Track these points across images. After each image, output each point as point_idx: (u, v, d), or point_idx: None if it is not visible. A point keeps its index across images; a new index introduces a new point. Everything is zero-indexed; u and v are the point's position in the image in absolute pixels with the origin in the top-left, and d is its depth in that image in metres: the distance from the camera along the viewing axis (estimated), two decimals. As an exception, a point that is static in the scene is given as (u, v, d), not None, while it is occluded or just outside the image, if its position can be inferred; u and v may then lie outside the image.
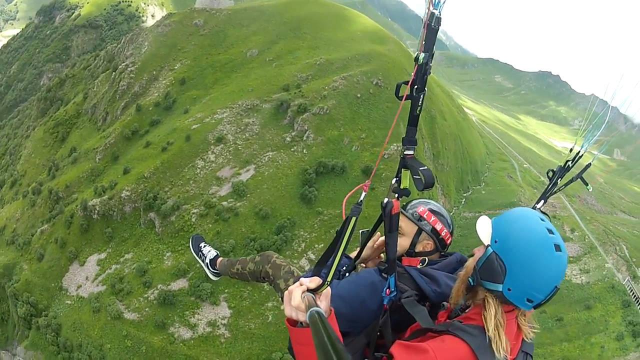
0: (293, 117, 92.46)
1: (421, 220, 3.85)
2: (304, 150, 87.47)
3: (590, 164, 5.51)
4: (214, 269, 6.52)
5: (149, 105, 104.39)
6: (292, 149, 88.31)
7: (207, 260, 6.59)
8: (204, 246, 6.86)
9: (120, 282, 72.35)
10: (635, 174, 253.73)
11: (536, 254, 2.70)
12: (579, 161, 5.06)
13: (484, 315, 2.86)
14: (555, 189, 4.95)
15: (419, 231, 3.86)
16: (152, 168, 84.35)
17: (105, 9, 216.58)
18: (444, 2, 2.34)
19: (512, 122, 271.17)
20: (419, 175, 2.70)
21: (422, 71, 2.53)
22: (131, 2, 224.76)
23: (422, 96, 2.61)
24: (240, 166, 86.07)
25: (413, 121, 2.72)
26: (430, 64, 2.53)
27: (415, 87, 2.60)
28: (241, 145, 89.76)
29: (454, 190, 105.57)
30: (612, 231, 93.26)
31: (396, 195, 2.89)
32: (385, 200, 2.88)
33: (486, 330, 2.81)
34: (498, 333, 2.80)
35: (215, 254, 6.70)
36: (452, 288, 3.24)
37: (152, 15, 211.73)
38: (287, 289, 2.98)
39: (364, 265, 4.17)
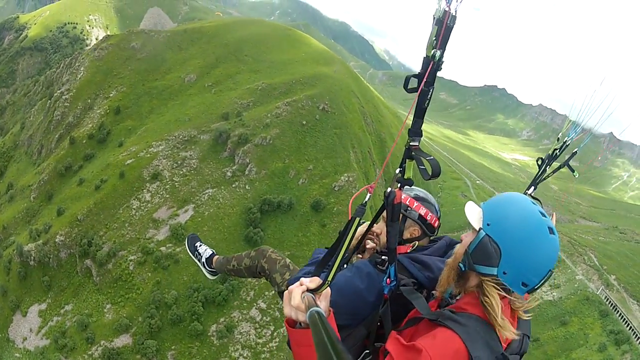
0: (233, 149, 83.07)
1: (405, 208, 3.75)
2: (247, 186, 78.73)
3: (576, 151, 5.37)
4: (211, 268, 6.27)
5: (82, 138, 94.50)
6: (234, 185, 79.45)
7: (203, 259, 6.33)
8: (200, 245, 6.55)
9: (63, 337, 66.28)
10: (589, 178, 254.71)
11: (532, 237, 2.62)
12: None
13: (485, 302, 2.70)
14: (545, 176, 4.95)
15: (404, 218, 3.76)
16: (86, 209, 76.42)
17: (51, 31, 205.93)
18: (460, 1, 2.29)
19: (460, 138, 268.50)
20: (425, 166, 2.64)
21: (435, 67, 2.46)
22: (76, 24, 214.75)
23: (431, 90, 2.53)
24: (178, 206, 77.77)
25: (420, 113, 2.62)
26: (443, 61, 2.45)
27: (425, 80, 2.50)
28: (178, 182, 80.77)
29: None
30: (577, 240, 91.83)
31: (399, 185, 2.75)
32: (389, 189, 2.74)
33: (494, 317, 2.66)
34: (504, 318, 2.68)
35: (211, 252, 6.41)
36: None
37: (97, 38, 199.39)
38: (283, 283, 3.88)
39: (360, 256, 4.01)
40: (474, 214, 2.86)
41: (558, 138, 5.05)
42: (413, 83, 2.52)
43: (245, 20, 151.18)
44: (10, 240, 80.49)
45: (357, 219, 2.59)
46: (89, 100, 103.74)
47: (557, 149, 5.00)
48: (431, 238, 3.86)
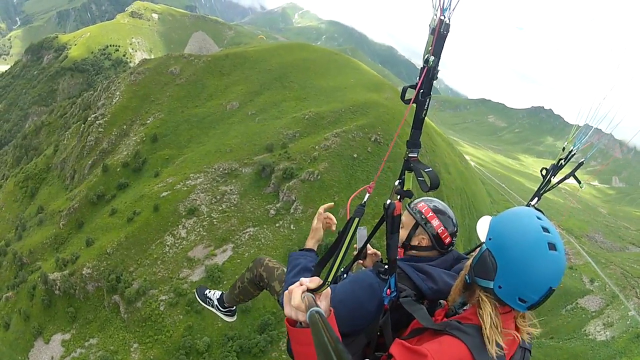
0: (278, 184, 75.65)
1: (422, 217, 3.73)
2: (292, 226, 71.32)
3: (582, 162, 5.38)
4: (224, 308, 6.03)
5: (116, 166, 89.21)
6: (277, 224, 72.00)
7: (216, 303, 6.08)
8: (209, 292, 6.25)
9: (86, 370, 61.95)
10: (636, 198, 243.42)
11: (527, 252, 2.58)
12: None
13: (479, 314, 2.74)
14: (549, 187, 4.97)
15: (416, 225, 3.75)
16: (116, 242, 71.22)
17: (92, 52, 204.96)
18: (453, 9, 2.34)
19: (510, 163, 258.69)
20: (424, 177, 2.70)
21: (430, 75, 2.53)
22: (119, 46, 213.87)
23: (427, 100, 2.62)
24: (215, 245, 71.17)
25: (418, 124, 2.74)
26: (438, 69, 2.52)
27: (421, 91, 2.61)
28: (217, 219, 74.09)
29: (462, 250, 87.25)
30: (630, 272, 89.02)
31: (398, 196, 2.84)
32: (388, 201, 2.81)
33: (483, 329, 2.68)
34: (493, 332, 2.67)
35: (220, 293, 6.15)
36: (449, 285, 3.19)
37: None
38: (282, 291, 3.77)
39: (361, 262, 4.12)
40: (482, 228, 2.92)
41: (563, 148, 4.99)
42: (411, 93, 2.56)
43: (291, 44, 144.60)
44: (37, 265, 77.11)
45: (357, 219, 2.69)
46: (125, 127, 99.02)
47: (562, 159, 4.97)
48: (441, 252, 3.69)
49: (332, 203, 3.34)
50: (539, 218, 2.68)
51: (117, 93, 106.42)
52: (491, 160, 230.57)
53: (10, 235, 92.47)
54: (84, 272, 69.10)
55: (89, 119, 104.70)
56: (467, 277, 2.85)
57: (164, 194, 77.50)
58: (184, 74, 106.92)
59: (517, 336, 2.83)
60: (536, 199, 4.92)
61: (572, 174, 5.23)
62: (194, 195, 76.96)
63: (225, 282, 64.18)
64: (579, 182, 5.42)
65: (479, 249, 2.83)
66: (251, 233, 71.86)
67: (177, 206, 75.36)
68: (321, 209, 4.29)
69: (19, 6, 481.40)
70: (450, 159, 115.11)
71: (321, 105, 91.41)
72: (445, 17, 2.33)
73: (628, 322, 73.99)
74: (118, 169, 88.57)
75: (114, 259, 69.56)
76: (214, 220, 74.07)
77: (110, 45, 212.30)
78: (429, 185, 2.62)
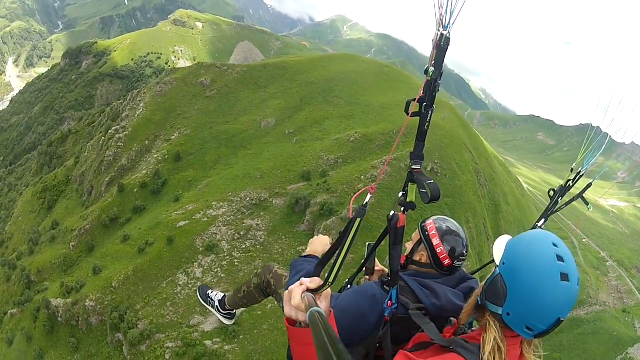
0: (313, 221, 62.36)
1: (424, 232, 3.77)
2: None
3: (591, 183, 5.26)
4: (225, 310, 5.97)
5: (134, 186, 78.41)
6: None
7: (217, 304, 6.00)
8: (211, 292, 6.24)
9: (87, 410, 55.54)
10: None
11: (538, 281, 2.53)
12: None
13: (482, 338, 2.74)
14: (557, 208, 4.88)
15: (420, 241, 3.79)
16: (123, 275, 61.60)
17: (133, 59, 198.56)
18: (453, 23, 2.36)
19: (560, 183, 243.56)
20: (426, 189, 2.71)
21: (432, 88, 2.59)
22: (161, 54, 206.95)
23: (430, 112, 2.67)
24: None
25: (421, 137, 2.78)
26: (440, 82, 2.57)
27: (424, 104, 2.66)
28: (238, 260, 61.90)
29: None
30: None
31: (402, 208, 2.86)
32: (392, 213, 2.84)
33: (481, 354, 2.67)
34: (496, 357, 2.65)
35: (223, 294, 6.13)
36: (453, 303, 3.29)
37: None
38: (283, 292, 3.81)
39: (368, 278, 4.14)
40: (498, 250, 2.82)
41: (572, 169, 5.00)
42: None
43: (336, 55, 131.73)
44: (44, 286, 71.20)
45: (358, 219, 2.63)
46: (147, 142, 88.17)
47: (569, 180, 4.93)
48: (442, 272, 3.64)
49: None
50: (555, 245, 2.61)
51: (142, 105, 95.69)
52: (542, 181, 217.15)
53: (23, 248, 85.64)
54: (87, 304, 60.41)
55: (110, 131, 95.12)
56: (479, 298, 2.81)
57: (181, 223, 66.42)
58: (216, 85, 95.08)
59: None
60: (543, 220, 4.67)
61: (580, 196, 5.03)
62: (214, 228, 65.38)
63: (241, 337, 54.38)
64: (587, 204, 5.24)
65: (492, 272, 2.77)
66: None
67: (194, 240, 64.19)
68: None
69: (60, 10, 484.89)
70: (509, 186, 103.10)
71: (369, 126, 78.06)
72: (446, 32, 2.33)
73: None
74: (135, 190, 78.16)
75: (119, 293, 60.36)
76: (235, 260, 62.15)
77: (152, 53, 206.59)
78: (429, 197, 2.61)
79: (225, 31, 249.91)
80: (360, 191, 3.20)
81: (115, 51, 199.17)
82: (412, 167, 2.77)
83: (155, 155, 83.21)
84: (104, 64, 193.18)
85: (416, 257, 3.75)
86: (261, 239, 63.30)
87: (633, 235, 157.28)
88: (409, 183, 2.78)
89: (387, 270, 4.01)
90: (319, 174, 68.65)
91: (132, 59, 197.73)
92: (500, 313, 2.63)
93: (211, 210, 67.49)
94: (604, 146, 4.97)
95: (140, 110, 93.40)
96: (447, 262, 3.60)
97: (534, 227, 4.45)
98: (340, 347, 1.67)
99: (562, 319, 2.54)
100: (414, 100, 2.62)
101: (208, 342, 54.59)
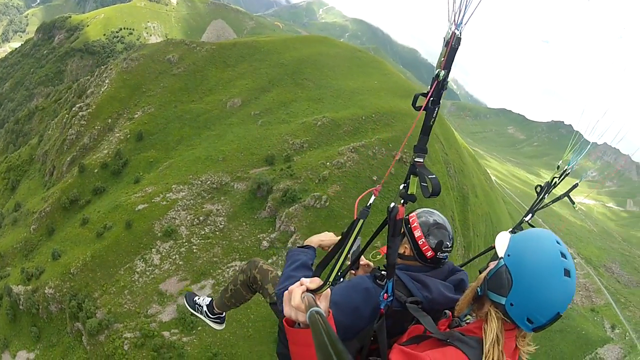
0: (275, 208, 59.23)
1: (406, 224, 3.69)
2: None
3: (577, 184, 5.62)
4: (214, 314, 5.79)
5: (94, 166, 74.72)
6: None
7: (205, 309, 5.82)
8: (198, 298, 6.01)
9: (49, 400, 53.85)
10: None
11: (544, 274, 2.59)
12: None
13: (484, 328, 2.74)
14: (543, 204, 5.10)
15: (403, 233, 3.67)
16: (81, 261, 58.53)
17: (105, 35, 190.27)
18: (465, 23, 2.37)
19: (529, 179, 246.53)
20: (427, 183, 2.69)
21: (440, 87, 2.57)
22: (133, 30, 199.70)
23: (437, 108, 2.64)
24: (192, 279, 56.60)
25: (426, 131, 2.75)
26: (448, 80, 2.56)
27: (432, 99, 2.63)
28: (197, 246, 59.06)
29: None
30: None
31: (402, 200, 2.83)
32: (392, 204, 2.80)
33: (483, 344, 2.68)
34: (494, 349, 2.67)
35: (210, 299, 5.92)
36: (444, 295, 3.31)
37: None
38: (279, 288, 3.66)
39: (354, 273, 4.08)
40: (501, 243, 2.85)
41: (558, 166, 5.16)
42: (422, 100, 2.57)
43: (309, 37, 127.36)
44: (6, 272, 68.41)
45: (361, 220, 2.64)
46: (110, 120, 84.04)
47: (555, 177, 5.10)
48: (426, 265, 3.61)
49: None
50: (558, 242, 2.68)
51: (107, 81, 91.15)
52: (510, 175, 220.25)
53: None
54: (46, 292, 57.96)
55: (74, 109, 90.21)
56: (479, 289, 2.81)
57: (140, 206, 63.35)
58: (183, 62, 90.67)
59: (517, 352, 2.79)
60: (530, 215, 4.90)
61: (566, 195, 5.17)
62: (173, 212, 62.31)
63: (199, 329, 51.79)
64: (573, 203, 5.39)
65: (494, 264, 2.79)
66: (236, 268, 56.54)
67: (152, 224, 61.12)
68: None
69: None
70: (477, 178, 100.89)
71: (338, 110, 74.55)
72: (458, 32, 2.33)
73: None
74: (96, 170, 74.53)
75: (78, 280, 57.44)
76: (194, 247, 59.26)
77: (125, 28, 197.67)
78: (430, 191, 2.58)
79: (200, 8, 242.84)
80: (364, 192, 3.20)
81: (88, 26, 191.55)
82: (415, 160, 2.70)
83: (118, 135, 79.62)
84: (76, 39, 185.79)
85: (400, 250, 3.62)
86: (221, 224, 60.18)
87: (601, 233, 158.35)
88: (411, 175, 2.70)
89: (371, 264, 3.99)
90: (283, 158, 65.40)
91: (104, 34, 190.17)
92: (504, 303, 2.62)
93: (171, 194, 64.41)
94: (589, 147, 5.00)
95: (105, 87, 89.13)
96: (429, 254, 3.54)
97: (521, 222, 4.80)
98: (340, 347, 1.66)
99: (560, 314, 2.57)
100: (422, 94, 2.57)
101: (166, 333, 52.17)
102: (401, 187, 2.80)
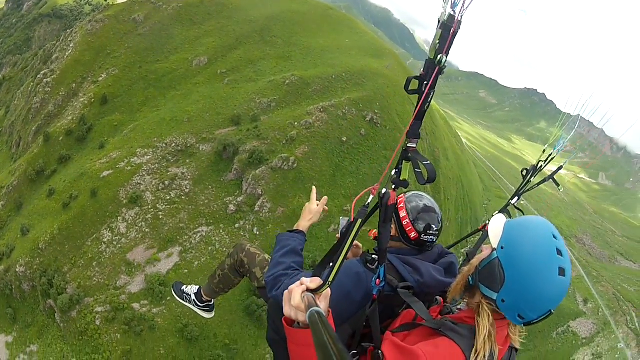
0: (242, 170, 56.88)
1: (394, 205, 3.23)
2: (255, 230, 54.33)
3: (562, 166, 5.57)
4: (203, 302, 5.66)
5: (59, 134, 71.54)
6: (237, 226, 54.35)
7: (193, 297, 5.68)
8: (186, 287, 5.88)
9: (28, 379, 52.57)
10: (621, 199, 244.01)
11: (538, 273, 2.47)
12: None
13: (477, 321, 2.64)
14: (529, 187, 4.97)
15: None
16: (49, 235, 56.28)
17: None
18: (467, 7, 2.17)
19: (499, 143, 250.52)
20: (421, 169, 2.60)
21: (439, 72, 2.42)
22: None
23: (432, 93, 2.49)
24: (159, 247, 54.65)
25: (420, 115, 2.56)
26: (446, 65, 2.40)
27: (425, 82, 2.46)
28: (163, 212, 56.96)
29: (453, 249, 72.17)
30: (621, 293, 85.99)
31: (393, 186, 2.72)
32: (384, 190, 2.71)
33: (476, 339, 2.58)
34: (486, 343, 2.57)
35: (198, 287, 5.79)
36: (435, 279, 3.24)
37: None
38: (263, 278, 3.83)
39: None
40: (495, 231, 2.70)
41: (544, 150, 5.01)
42: (414, 84, 2.50)
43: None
44: None
45: (360, 220, 2.50)
46: (74, 85, 79.85)
47: (541, 161, 4.95)
48: (412, 247, 3.54)
49: (325, 197, 3.14)
50: (555, 237, 2.55)
51: (72, 45, 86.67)
52: (481, 138, 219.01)
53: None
54: (17, 270, 55.92)
55: (39, 76, 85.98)
56: (470, 278, 2.71)
57: (105, 173, 60.73)
58: (149, 22, 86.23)
59: (508, 340, 2.72)
60: (516, 198, 4.83)
61: (551, 177, 5.08)
62: (138, 177, 60.03)
63: (168, 299, 50.00)
64: (558, 185, 5.36)
65: (488, 252, 2.65)
66: (203, 234, 55.12)
67: (117, 191, 58.89)
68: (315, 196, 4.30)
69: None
70: (449, 141, 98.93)
71: (307, 69, 71.57)
72: (457, 14, 2.14)
73: (617, 356, 70.22)
74: (61, 138, 71.45)
75: (46, 255, 55.32)
76: (160, 213, 57.09)
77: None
78: (425, 178, 2.47)
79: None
80: (363, 191, 2.89)
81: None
82: (408, 145, 2.58)
83: (82, 99, 76.11)
84: (44, 4, 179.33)
85: None
86: (186, 189, 57.79)
87: (573, 204, 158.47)
88: (403, 161, 2.60)
89: (360, 245, 3.90)
90: (249, 118, 62.63)
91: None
92: (495, 299, 2.55)
93: (135, 158, 61.95)
94: (573, 131, 5.05)
95: (70, 51, 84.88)
96: (413, 234, 3.46)
97: (507, 205, 4.56)
98: (340, 346, 1.64)
99: (552, 311, 2.52)
100: (415, 77, 2.45)
101: (136, 305, 50.44)
102: (393, 173, 2.65)
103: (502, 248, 2.56)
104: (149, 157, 61.13)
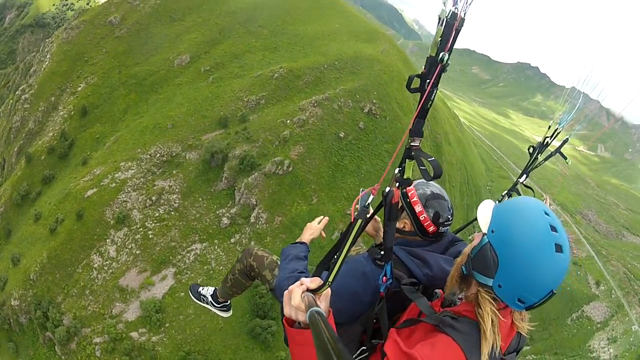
0: (233, 178, 50.63)
1: (405, 198, 3.42)
2: (253, 243, 47.16)
3: (567, 139, 4.92)
4: (219, 303, 5.61)
5: (41, 153, 66.07)
6: (232, 240, 48.79)
7: (210, 299, 5.64)
8: (202, 288, 5.78)
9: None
10: (622, 170, 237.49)
11: (533, 253, 2.32)
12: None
13: (479, 314, 2.51)
14: (537, 164, 4.73)
15: (401, 208, 3.42)
16: (39, 264, 51.34)
17: (54, 4, 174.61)
18: (470, 3, 2.09)
19: (497, 119, 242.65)
20: (425, 166, 2.47)
21: (442, 70, 2.30)
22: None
23: (435, 90, 2.35)
24: (152, 269, 49.50)
25: (422, 114, 2.41)
26: (449, 63, 2.26)
27: (427, 80, 2.33)
28: (153, 231, 51.32)
29: (461, 234, 67.44)
30: (632, 272, 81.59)
31: (397, 184, 2.56)
32: (388, 189, 2.56)
33: (483, 330, 2.46)
34: (491, 335, 2.47)
35: (214, 288, 5.71)
36: (445, 271, 2.99)
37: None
38: (274, 279, 3.79)
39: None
40: (484, 215, 2.58)
41: (549, 126, 4.76)
42: (416, 82, 2.34)
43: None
44: None
45: (360, 220, 2.42)
46: (53, 99, 73.37)
47: (547, 137, 4.68)
48: (428, 239, 3.37)
49: (326, 218, 3.01)
50: (546, 214, 2.39)
51: (48, 56, 79.89)
52: (477, 115, 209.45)
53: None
54: (13, 303, 51.57)
55: (17, 92, 79.96)
56: (464, 267, 2.57)
57: (90, 192, 54.92)
58: (126, 22, 78.96)
59: (514, 328, 2.62)
60: (524, 176, 4.56)
61: (558, 151, 4.81)
62: (123, 194, 54.00)
63: (167, 325, 46.36)
64: (565, 158, 5.01)
65: (479, 238, 2.51)
66: (197, 252, 49.68)
67: (103, 212, 53.04)
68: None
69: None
70: (449, 124, 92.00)
71: (296, 59, 64.54)
72: (458, 10, 2.05)
73: (631, 339, 66.31)
74: (43, 157, 65.92)
75: (39, 286, 50.69)
76: (149, 232, 51.49)
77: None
78: (431, 175, 2.31)
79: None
80: (363, 192, 2.98)
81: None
82: (411, 143, 2.42)
83: (62, 113, 70.15)
84: (26, 15, 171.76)
85: (399, 225, 3.37)
86: (175, 203, 51.84)
87: (575, 178, 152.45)
88: (406, 159, 2.43)
89: (378, 218, 3.49)
90: (237, 119, 56.05)
91: (54, 4, 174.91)
92: (491, 285, 2.40)
93: (119, 173, 55.94)
94: (579, 104, 4.70)
95: (47, 63, 78.08)
96: (431, 229, 3.29)
97: (516, 184, 4.50)
98: (340, 346, 1.63)
99: (554, 292, 2.36)
100: (417, 75, 2.25)
101: (134, 334, 46.40)
102: (396, 171, 2.48)
103: (492, 232, 2.40)
104: (133, 170, 54.92)
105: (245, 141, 52.47)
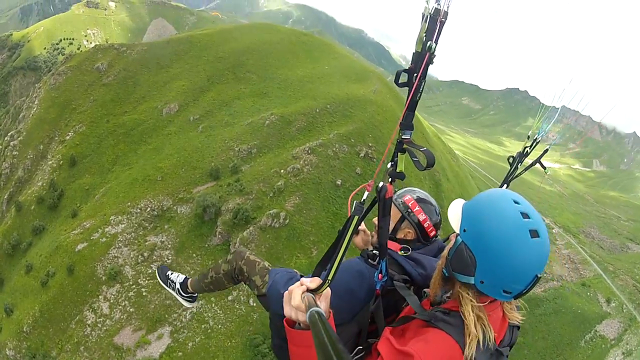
0: (227, 233, 48.47)
1: (407, 210, 3.52)
2: (251, 301, 45.96)
3: (547, 149, 5.22)
4: (187, 293, 5.26)
5: (30, 203, 63.47)
6: (230, 298, 46.54)
7: (178, 286, 5.29)
8: (172, 273, 5.46)
9: None
10: (618, 182, 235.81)
11: (508, 243, 2.30)
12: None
13: (461, 311, 2.49)
14: (517, 173, 4.78)
15: (402, 218, 3.54)
16: (32, 317, 49.19)
17: (45, 48, 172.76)
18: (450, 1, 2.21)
19: (490, 147, 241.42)
20: (418, 157, 2.60)
21: (429, 60, 2.37)
22: (72, 39, 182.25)
23: (423, 83, 2.43)
24: (147, 327, 46.48)
25: (412, 106, 2.52)
26: (435, 54, 2.35)
27: (415, 74, 2.42)
28: (146, 289, 48.62)
29: None
30: None
31: (390, 179, 2.67)
32: (381, 184, 2.65)
33: (466, 327, 2.44)
34: (477, 329, 2.44)
35: (185, 277, 5.40)
36: None
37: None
38: (264, 286, 3.77)
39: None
40: (454, 216, 2.57)
41: (528, 136, 4.92)
42: (404, 77, 2.43)
43: (248, 25, 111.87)
44: None
45: (356, 217, 2.43)
46: (41, 147, 71.18)
47: (527, 147, 4.83)
48: (424, 243, 3.49)
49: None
50: (516, 202, 2.38)
51: (36, 102, 78.02)
52: (470, 146, 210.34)
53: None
54: (8, 353, 49.05)
55: (6, 138, 77.85)
56: (444, 270, 2.56)
57: (80, 246, 52.33)
58: (113, 69, 77.38)
59: (505, 319, 2.64)
60: (505, 185, 4.57)
61: (537, 161, 5.05)
62: (114, 250, 51.39)
63: None
64: (544, 168, 5.35)
65: (454, 239, 2.50)
66: (194, 310, 47.03)
67: (94, 267, 50.40)
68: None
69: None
70: (446, 159, 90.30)
71: (287, 104, 63.29)
72: (441, 6, 2.16)
73: None
74: (32, 207, 63.25)
75: (32, 339, 48.21)
76: (143, 289, 48.76)
77: (65, 39, 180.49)
78: (424, 165, 2.40)
79: (139, 9, 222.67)
80: (358, 188, 2.91)
81: (29, 41, 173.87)
82: (402, 137, 2.53)
83: (50, 162, 67.77)
84: (17, 57, 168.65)
85: (400, 235, 3.46)
86: (168, 259, 49.72)
87: (573, 197, 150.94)
88: (398, 153, 2.56)
89: (368, 231, 3.70)
90: (229, 170, 54.18)
91: (45, 48, 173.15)
92: (473, 282, 2.39)
93: (109, 227, 53.42)
94: (556, 115, 4.86)
95: (35, 109, 76.20)
96: (432, 232, 3.46)
97: None
98: (340, 347, 1.61)
99: (539, 276, 2.32)
100: (405, 71, 2.36)
101: None
102: (389, 165, 2.59)
103: (464, 231, 2.38)
104: (123, 225, 52.65)
105: (238, 193, 50.49)
